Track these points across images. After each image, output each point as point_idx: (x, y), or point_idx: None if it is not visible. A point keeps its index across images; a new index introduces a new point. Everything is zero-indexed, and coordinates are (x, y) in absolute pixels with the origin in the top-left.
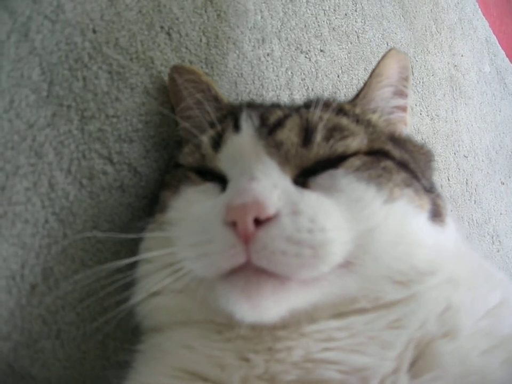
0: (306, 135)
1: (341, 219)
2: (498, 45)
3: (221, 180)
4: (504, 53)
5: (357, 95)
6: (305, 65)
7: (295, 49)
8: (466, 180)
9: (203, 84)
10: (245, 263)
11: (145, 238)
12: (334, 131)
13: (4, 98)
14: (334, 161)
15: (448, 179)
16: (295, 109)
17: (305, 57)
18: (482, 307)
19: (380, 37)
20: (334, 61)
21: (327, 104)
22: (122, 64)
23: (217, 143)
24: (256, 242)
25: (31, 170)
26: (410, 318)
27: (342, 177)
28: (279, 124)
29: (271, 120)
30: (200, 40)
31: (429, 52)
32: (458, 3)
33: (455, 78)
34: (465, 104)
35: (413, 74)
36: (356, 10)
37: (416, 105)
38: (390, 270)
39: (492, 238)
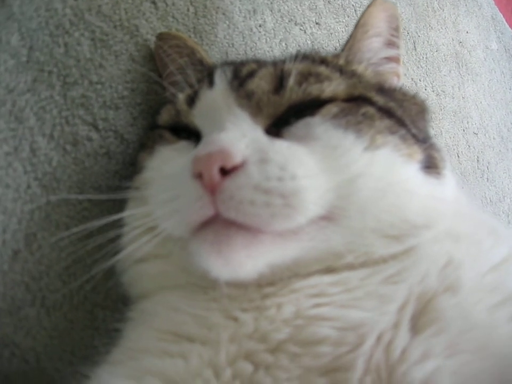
0: (279, 82)
1: (315, 167)
2: (506, 23)
3: (196, 137)
4: None
5: (343, 48)
6: (300, 37)
7: (289, 21)
8: (477, 157)
9: (188, 48)
10: (213, 215)
11: (127, 202)
12: (308, 76)
13: None
14: (309, 107)
15: (458, 156)
16: (273, 62)
17: (300, 29)
18: (486, 262)
19: None
20: (331, 34)
21: (307, 57)
22: (105, 32)
23: (192, 99)
24: (222, 192)
25: (11, 135)
26: (409, 273)
27: (318, 125)
28: (251, 75)
29: (243, 72)
30: (188, 10)
31: (431, 27)
32: None
33: (461, 54)
34: (473, 81)
35: (415, 49)
36: None
37: (420, 80)
38: (380, 223)
39: (508, 216)
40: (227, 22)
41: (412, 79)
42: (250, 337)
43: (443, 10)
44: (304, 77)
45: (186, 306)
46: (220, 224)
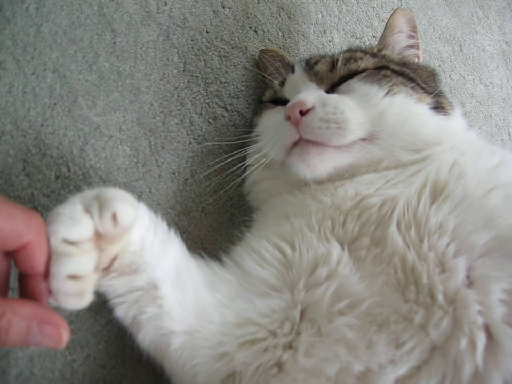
0: (332, 65)
1: (355, 107)
2: None
3: (286, 104)
4: None
5: (378, 42)
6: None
7: (351, 36)
8: None
9: (280, 56)
10: (298, 139)
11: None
12: (350, 59)
13: (159, 72)
14: (350, 76)
15: (509, 134)
16: (331, 55)
17: (360, 41)
18: (483, 165)
19: (426, 23)
20: None
21: (352, 49)
22: (227, 51)
23: (283, 83)
24: (302, 124)
25: (178, 113)
26: (427, 169)
27: (355, 83)
28: (316, 62)
29: (312, 62)
30: (278, 34)
31: (477, 32)
32: None
33: (508, 52)
34: None
35: (462, 51)
36: (401, 5)
37: (468, 75)
38: (404, 141)
39: None
40: (305, 40)
41: (460, 74)
42: (329, 208)
43: (488, 17)
44: (348, 60)
45: (290, 198)
46: (302, 143)
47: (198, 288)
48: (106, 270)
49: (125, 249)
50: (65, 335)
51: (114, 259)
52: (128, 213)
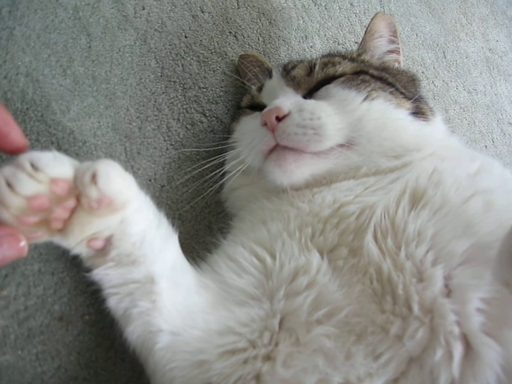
0: (309, 69)
1: (332, 112)
2: None
3: (263, 109)
4: None
5: (358, 47)
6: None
7: (333, 42)
8: None
9: (259, 61)
10: (275, 145)
11: None
12: (328, 63)
13: (136, 77)
14: (329, 81)
15: (493, 141)
16: (308, 60)
17: (342, 47)
18: (463, 172)
19: (409, 30)
20: None
21: (331, 54)
22: (206, 56)
23: (260, 88)
24: (278, 130)
25: (155, 118)
26: (406, 176)
27: (332, 88)
28: (294, 67)
29: (289, 67)
30: (258, 39)
31: (460, 39)
32: None
33: (491, 59)
34: (505, 80)
35: (445, 57)
36: (384, 11)
37: (451, 81)
38: (383, 147)
39: None
40: (286, 46)
41: (443, 80)
42: (307, 215)
43: (471, 24)
44: (325, 64)
45: (267, 204)
46: (279, 149)
47: (189, 289)
48: (102, 253)
49: (124, 239)
50: (23, 241)
51: (109, 241)
52: (111, 179)
